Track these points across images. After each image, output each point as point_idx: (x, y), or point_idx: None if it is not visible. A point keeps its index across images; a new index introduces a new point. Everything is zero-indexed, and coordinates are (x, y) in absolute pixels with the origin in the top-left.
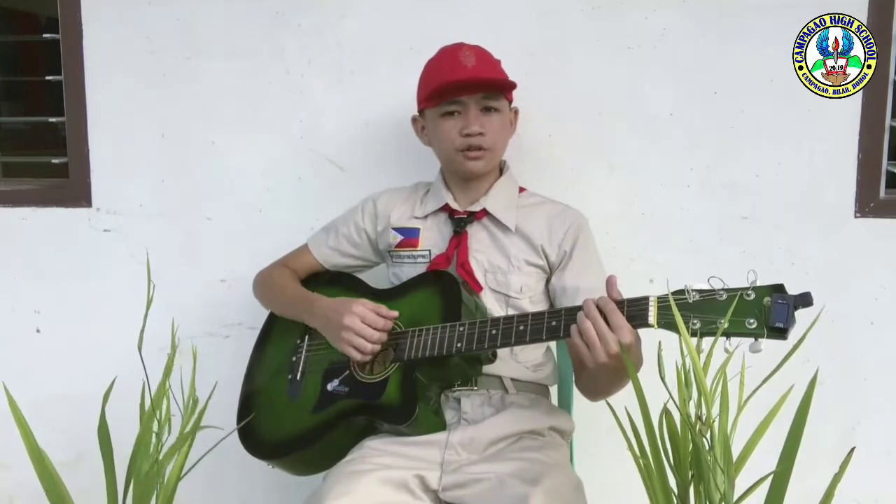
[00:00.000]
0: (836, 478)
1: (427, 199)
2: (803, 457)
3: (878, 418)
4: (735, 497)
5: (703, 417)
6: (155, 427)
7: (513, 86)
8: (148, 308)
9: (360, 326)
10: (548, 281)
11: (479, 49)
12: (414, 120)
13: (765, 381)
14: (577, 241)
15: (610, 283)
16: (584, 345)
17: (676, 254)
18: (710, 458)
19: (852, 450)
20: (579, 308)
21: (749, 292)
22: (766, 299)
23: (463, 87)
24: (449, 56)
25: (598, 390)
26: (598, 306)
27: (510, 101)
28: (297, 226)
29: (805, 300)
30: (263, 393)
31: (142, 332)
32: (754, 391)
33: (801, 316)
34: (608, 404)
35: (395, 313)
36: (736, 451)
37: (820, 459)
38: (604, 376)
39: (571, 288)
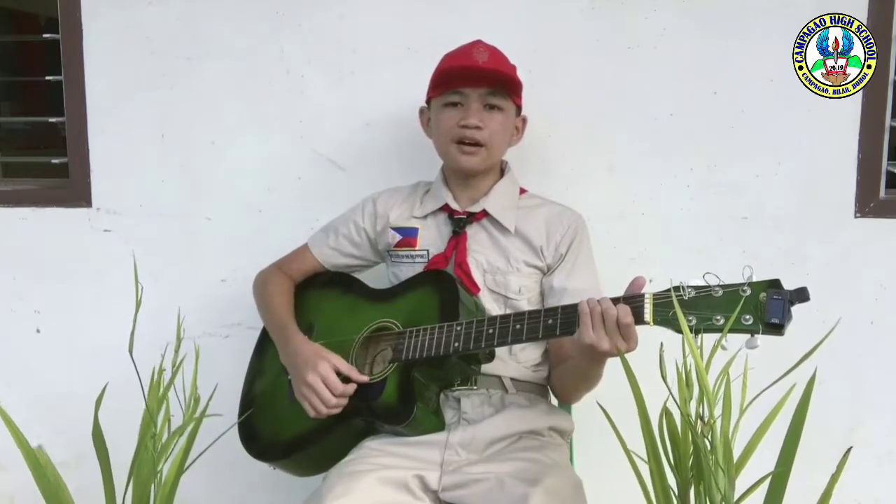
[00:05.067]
0: (834, 478)
1: (427, 199)
2: (805, 456)
3: (879, 418)
4: (735, 497)
5: (705, 418)
6: (157, 425)
7: (518, 85)
8: (137, 310)
9: (321, 388)
10: None
11: (495, 49)
12: (421, 111)
13: (770, 385)
14: (573, 242)
15: (637, 284)
16: (591, 330)
17: (676, 254)
18: (711, 458)
19: (849, 450)
20: (575, 306)
21: (745, 288)
22: (762, 295)
23: (468, 76)
24: (464, 49)
25: (572, 385)
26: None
27: (518, 107)
28: (297, 226)
29: (801, 296)
30: (264, 394)
31: (132, 333)
32: (759, 394)
33: (804, 319)
34: (601, 407)
35: (364, 378)
36: (736, 451)
37: (821, 459)
38: (582, 371)
39: (559, 288)
